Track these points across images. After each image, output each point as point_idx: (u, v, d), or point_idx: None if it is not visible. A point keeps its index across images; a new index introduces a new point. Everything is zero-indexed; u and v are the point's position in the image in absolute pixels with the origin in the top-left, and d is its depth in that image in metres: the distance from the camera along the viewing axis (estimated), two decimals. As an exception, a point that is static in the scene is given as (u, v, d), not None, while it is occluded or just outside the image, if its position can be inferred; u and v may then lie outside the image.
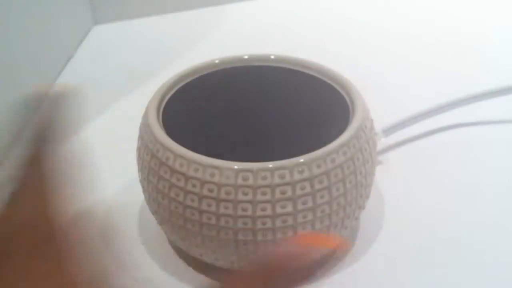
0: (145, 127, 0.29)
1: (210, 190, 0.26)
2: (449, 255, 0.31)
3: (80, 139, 0.42)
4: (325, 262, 0.30)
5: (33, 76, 0.44)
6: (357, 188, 0.27)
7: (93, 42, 0.53)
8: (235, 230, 0.26)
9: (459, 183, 0.35)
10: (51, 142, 0.23)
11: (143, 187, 0.29)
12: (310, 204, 0.26)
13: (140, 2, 0.57)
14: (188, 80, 0.32)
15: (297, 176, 0.25)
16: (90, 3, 0.55)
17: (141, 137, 0.29)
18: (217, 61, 0.33)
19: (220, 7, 0.58)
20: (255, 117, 0.34)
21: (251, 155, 0.29)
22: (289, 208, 0.26)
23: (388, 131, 0.37)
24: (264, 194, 0.25)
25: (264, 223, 0.26)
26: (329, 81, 0.31)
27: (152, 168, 0.27)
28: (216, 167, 0.26)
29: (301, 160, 0.26)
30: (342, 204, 0.27)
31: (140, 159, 0.29)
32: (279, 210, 0.26)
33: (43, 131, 0.23)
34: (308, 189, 0.26)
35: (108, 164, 0.38)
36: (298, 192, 0.26)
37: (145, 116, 0.29)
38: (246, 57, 0.33)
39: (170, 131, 0.28)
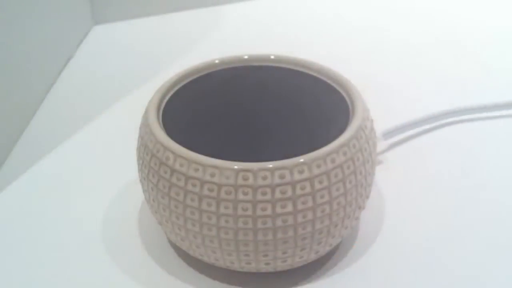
0: (145, 127, 0.29)
1: (210, 190, 0.26)
2: (449, 255, 0.31)
3: (80, 139, 0.42)
4: (325, 262, 0.30)
5: (33, 76, 0.44)
6: (357, 188, 0.27)
7: (93, 42, 0.53)
8: (235, 230, 0.26)
9: (459, 183, 0.36)
10: None
11: (143, 187, 0.29)
12: (310, 204, 0.26)
13: (140, 2, 0.57)
14: (188, 80, 0.32)
15: (297, 176, 0.26)
16: (90, 3, 0.55)
17: (141, 137, 0.29)
18: (217, 61, 0.33)
19: (220, 7, 0.58)
20: (255, 117, 0.34)
21: (251, 155, 0.29)
22: (289, 208, 0.26)
23: (388, 134, 0.37)
24: (264, 194, 0.25)
25: (264, 223, 0.26)
26: (329, 81, 0.31)
27: (152, 168, 0.27)
28: (216, 167, 0.26)
29: (301, 160, 0.26)
30: (342, 204, 0.27)
31: (140, 159, 0.29)
32: (279, 210, 0.26)
33: None
34: (308, 189, 0.26)
35: (108, 164, 0.38)
36: (298, 192, 0.26)
37: (145, 116, 0.29)
38: (246, 57, 0.33)
39: (170, 131, 0.28)
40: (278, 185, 0.25)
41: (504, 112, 0.41)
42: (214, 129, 0.34)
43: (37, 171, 0.38)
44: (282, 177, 0.25)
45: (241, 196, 0.25)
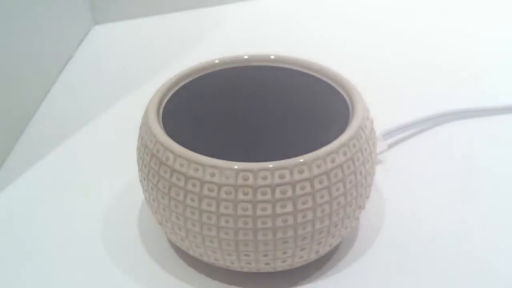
0: (145, 127, 0.29)
1: (210, 190, 0.26)
2: (449, 255, 0.31)
3: (80, 139, 0.42)
4: (325, 262, 0.30)
5: (33, 76, 0.44)
6: (357, 188, 0.27)
7: (93, 42, 0.53)
8: (235, 230, 0.26)
9: (459, 183, 0.36)
10: None
11: (143, 187, 0.29)
12: (310, 204, 0.26)
13: (140, 2, 0.57)
14: (188, 80, 0.32)
15: (297, 176, 0.26)
16: (90, 3, 0.55)
17: (141, 137, 0.29)
18: (217, 61, 0.33)
19: (220, 7, 0.58)
20: (255, 117, 0.34)
21: (251, 155, 0.29)
22: (289, 208, 0.26)
23: (388, 134, 0.37)
24: (264, 194, 0.25)
25: (264, 223, 0.26)
26: (329, 81, 0.31)
27: (152, 168, 0.27)
28: (216, 167, 0.26)
29: (301, 160, 0.26)
30: (342, 204, 0.27)
31: (140, 159, 0.29)
32: (279, 210, 0.26)
33: None
34: (308, 189, 0.26)
35: (108, 164, 0.38)
36: (298, 192, 0.26)
37: (145, 116, 0.29)
38: (246, 57, 0.33)
39: (170, 131, 0.28)
40: (278, 185, 0.25)
41: (504, 113, 0.41)
42: (214, 129, 0.34)
43: (37, 171, 0.38)
44: (282, 177, 0.25)
45: (241, 196, 0.25)
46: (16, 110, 0.41)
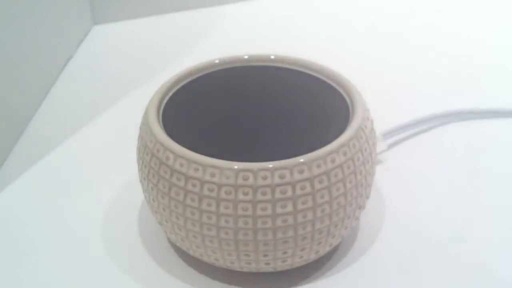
0: (145, 127, 0.29)
1: (210, 190, 0.26)
2: (449, 255, 0.31)
3: (80, 139, 0.42)
4: (325, 262, 0.30)
5: (33, 76, 0.44)
6: (357, 188, 0.27)
7: (93, 42, 0.53)
8: (235, 230, 0.26)
9: (459, 183, 0.36)
10: None
11: (143, 187, 0.29)
12: (310, 204, 0.26)
13: (140, 2, 0.57)
14: (188, 80, 0.32)
15: (297, 176, 0.26)
16: (90, 3, 0.55)
17: (141, 137, 0.29)
18: (217, 61, 0.33)
19: (220, 7, 0.58)
20: (255, 117, 0.34)
21: (251, 155, 0.29)
22: (289, 208, 0.26)
23: (388, 134, 0.37)
24: (264, 194, 0.25)
25: (264, 223, 0.26)
26: (329, 81, 0.31)
27: (152, 168, 0.27)
28: (216, 167, 0.26)
29: (301, 160, 0.26)
30: (342, 204, 0.27)
31: (140, 159, 0.29)
32: (279, 210, 0.26)
33: None
34: (308, 189, 0.26)
35: (108, 164, 0.38)
36: (298, 192, 0.26)
37: (145, 116, 0.29)
38: (246, 57, 0.33)
39: (170, 131, 0.28)
40: (278, 185, 0.25)
41: (504, 113, 0.41)
42: (214, 129, 0.34)
43: (37, 171, 0.38)
44: (282, 177, 0.25)
45: (241, 196, 0.25)
46: (16, 110, 0.41)
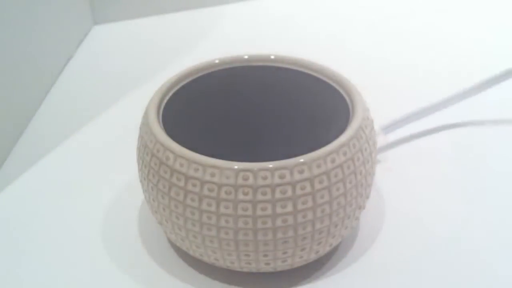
0: (145, 127, 0.29)
1: (210, 190, 0.26)
2: (449, 255, 0.31)
3: (80, 139, 0.42)
4: (325, 262, 0.30)
5: (33, 76, 0.44)
6: (357, 188, 0.27)
7: (93, 42, 0.53)
8: (235, 230, 0.26)
9: (460, 182, 0.36)
10: None
11: (143, 187, 0.29)
12: (310, 204, 0.26)
13: (140, 2, 0.57)
14: (188, 80, 0.32)
15: (297, 176, 0.26)
16: (90, 3, 0.55)
17: (141, 137, 0.29)
18: (217, 61, 0.33)
19: (220, 7, 0.58)
20: (255, 117, 0.34)
21: (251, 155, 0.29)
22: (289, 208, 0.26)
23: (388, 128, 0.37)
24: (264, 194, 0.25)
25: (264, 223, 0.26)
26: (329, 81, 0.31)
27: (152, 168, 0.27)
28: (216, 167, 0.26)
29: (301, 160, 0.26)
30: (342, 204, 0.27)
31: (140, 159, 0.29)
32: (279, 210, 0.26)
33: None
34: (308, 189, 0.26)
35: (108, 164, 0.38)
36: (298, 192, 0.26)
37: (145, 116, 0.29)
38: (246, 57, 0.33)
39: (170, 131, 0.28)
40: (278, 185, 0.25)
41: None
42: (214, 129, 0.34)
43: (37, 171, 0.38)
44: (282, 177, 0.25)
45: (241, 196, 0.25)
46: (16, 110, 0.41)
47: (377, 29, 0.54)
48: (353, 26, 0.55)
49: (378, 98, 0.34)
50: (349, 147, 0.27)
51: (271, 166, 0.25)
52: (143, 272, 0.30)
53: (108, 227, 0.33)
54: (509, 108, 0.41)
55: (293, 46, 0.39)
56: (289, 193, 0.26)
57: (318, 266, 0.30)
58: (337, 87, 0.31)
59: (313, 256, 0.28)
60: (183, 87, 0.31)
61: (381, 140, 0.36)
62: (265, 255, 0.27)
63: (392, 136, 0.38)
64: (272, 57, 0.33)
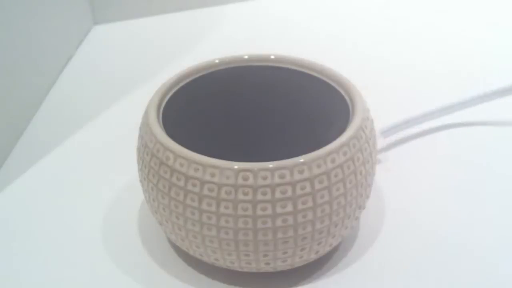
0: (145, 127, 0.29)
1: (210, 190, 0.26)
2: (449, 255, 0.31)
3: (81, 139, 0.42)
4: (325, 262, 0.30)
5: (33, 76, 0.44)
6: (357, 188, 0.27)
7: (93, 42, 0.53)
8: (235, 230, 0.26)
9: (460, 182, 0.36)
10: None
11: (143, 187, 0.29)
12: (310, 204, 0.26)
13: (140, 2, 0.57)
14: (188, 80, 0.32)
15: (297, 176, 0.26)
16: (90, 3, 0.55)
17: (141, 137, 0.29)
18: (217, 61, 0.33)
19: (220, 7, 0.58)
20: (255, 117, 0.34)
21: (251, 155, 0.29)
22: (289, 208, 0.26)
23: (389, 129, 0.37)
24: (264, 194, 0.25)
25: (264, 223, 0.26)
26: (329, 81, 0.31)
27: (152, 168, 0.27)
28: (216, 167, 0.26)
29: (301, 160, 0.26)
30: (342, 204, 0.27)
31: (140, 159, 0.29)
32: (279, 210, 0.26)
33: None
34: (308, 189, 0.26)
35: (108, 164, 0.38)
36: (298, 192, 0.26)
37: (145, 116, 0.29)
38: (246, 57, 0.33)
39: (170, 131, 0.28)
40: (278, 185, 0.25)
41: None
42: (214, 129, 0.34)
43: (37, 171, 0.38)
44: (282, 177, 0.25)
45: (241, 196, 0.25)
46: (17, 110, 0.41)
47: (377, 29, 0.54)
48: (353, 26, 0.54)
49: (378, 98, 0.34)
50: (349, 147, 0.27)
51: (271, 166, 0.25)
52: (143, 272, 0.30)
53: (108, 227, 0.33)
54: (510, 108, 0.41)
55: (293, 46, 0.39)
56: (289, 193, 0.26)
57: (318, 266, 0.30)
58: (337, 87, 0.31)
59: (313, 256, 0.28)
60: (183, 87, 0.31)
61: (381, 140, 0.36)
62: (265, 255, 0.27)
63: (392, 137, 0.38)
64: (272, 57, 0.33)
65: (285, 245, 0.27)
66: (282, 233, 0.26)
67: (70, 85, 0.47)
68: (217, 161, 0.26)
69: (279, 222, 0.26)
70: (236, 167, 0.25)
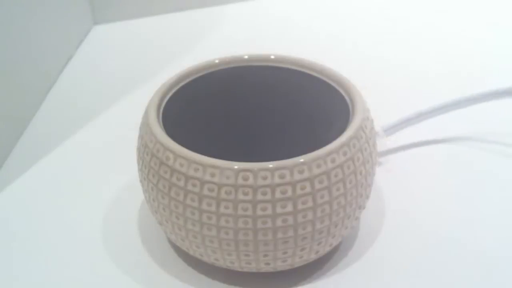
0: (145, 127, 0.29)
1: (210, 190, 0.26)
2: (449, 255, 0.31)
3: (81, 139, 0.42)
4: (325, 262, 0.30)
5: (33, 76, 0.44)
6: (357, 188, 0.27)
7: (93, 42, 0.53)
8: (235, 230, 0.26)
9: (460, 182, 0.36)
10: None
11: (143, 187, 0.29)
12: (310, 204, 0.26)
13: (140, 2, 0.57)
14: (188, 80, 0.32)
15: (297, 176, 0.25)
16: (90, 3, 0.55)
17: (141, 137, 0.29)
18: (217, 61, 0.33)
19: (220, 7, 0.58)
20: (255, 117, 0.34)
21: (251, 155, 0.29)
22: (289, 208, 0.26)
23: (389, 130, 0.37)
24: (264, 194, 0.25)
25: (264, 223, 0.26)
26: (329, 81, 0.31)
27: (152, 168, 0.27)
28: (216, 167, 0.26)
29: (301, 160, 0.26)
30: (342, 204, 0.27)
31: (140, 159, 0.29)
32: (279, 210, 0.26)
33: None
34: (308, 189, 0.26)
35: (108, 164, 0.38)
36: (298, 192, 0.26)
37: (145, 116, 0.29)
38: (246, 57, 0.33)
39: (170, 131, 0.28)
40: (278, 185, 0.25)
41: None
42: (214, 129, 0.34)
43: (37, 171, 0.38)
44: (282, 177, 0.25)
45: (241, 196, 0.25)
46: (16, 110, 0.41)
47: (377, 29, 0.54)
48: (353, 26, 0.55)
49: (378, 98, 0.34)
50: (349, 147, 0.27)
51: (271, 166, 0.25)
52: (143, 272, 0.30)
53: (108, 227, 0.33)
54: (510, 108, 0.41)
55: (293, 46, 0.39)
56: (289, 193, 0.26)
57: (318, 266, 0.30)
58: (337, 87, 0.31)
59: (313, 256, 0.28)
60: (183, 87, 0.31)
61: (382, 140, 0.36)
62: (265, 255, 0.27)
63: (393, 137, 0.38)
64: (272, 57, 0.33)
65: (285, 245, 0.27)
66: (282, 233, 0.26)
67: (70, 85, 0.47)
68: (217, 161, 0.26)
69: (279, 222, 0.26)
70: (236, 167, 0.25)
